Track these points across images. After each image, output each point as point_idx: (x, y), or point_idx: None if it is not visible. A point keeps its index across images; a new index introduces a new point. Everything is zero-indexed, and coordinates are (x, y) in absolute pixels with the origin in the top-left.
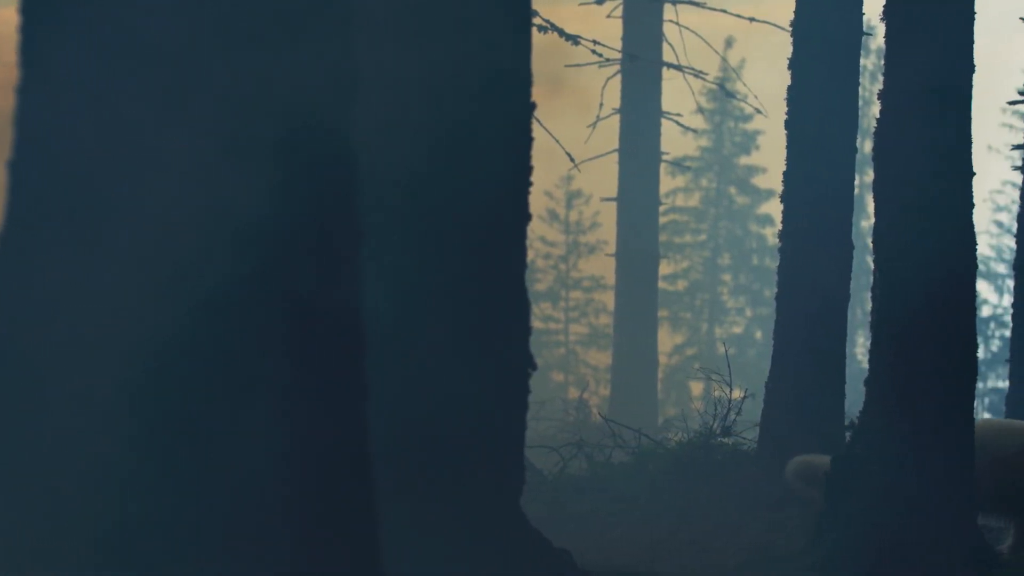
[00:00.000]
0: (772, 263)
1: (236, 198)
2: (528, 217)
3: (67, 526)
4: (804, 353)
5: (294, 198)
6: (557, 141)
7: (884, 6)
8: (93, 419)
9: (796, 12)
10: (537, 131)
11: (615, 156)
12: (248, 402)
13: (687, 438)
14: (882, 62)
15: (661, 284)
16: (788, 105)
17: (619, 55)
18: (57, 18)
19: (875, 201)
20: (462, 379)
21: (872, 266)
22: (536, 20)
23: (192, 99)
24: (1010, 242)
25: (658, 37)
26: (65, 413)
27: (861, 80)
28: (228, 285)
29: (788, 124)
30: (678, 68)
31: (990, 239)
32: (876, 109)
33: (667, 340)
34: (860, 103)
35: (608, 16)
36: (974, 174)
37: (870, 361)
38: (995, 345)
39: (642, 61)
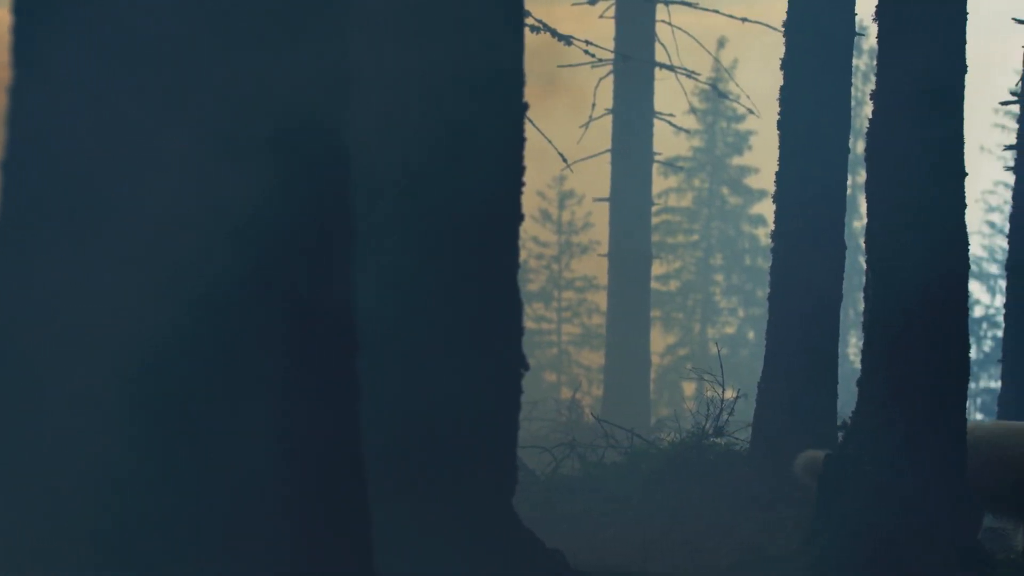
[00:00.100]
0: (765, 263)
1: (232, 198)
2: (521, 217)
3: (67, 526)
4: (797, 353)
5: (288, 198)
6: (549, 141)
7: (876, 6)
8: (92, 419)
9: (788, 12)
10: (529, 131)
11: (607, 156)
12: (246, 401)
13: (680, 438)
14: (875, 62)
15: (653, 284)
16: (780, 105)
17: (612, 55)
18: (52, 17)
19: (868, 201)
20: (455, 379)
21: (865, 266)
22: (529, 20)
23: (188, 99)
24: (1002, 242)
25: (651, 37)
26: (65, 413)
27: (853, 80)
28: (225, 284)
29: (780, 124)
30: (671, 68)
31: (982, 239)
32: (869, 109)
33: (660, 340)
34: (852, 103)
35: (601, 16)
36: (966, 174)
37: (863, 361)
38: (987, 345)
39: (635, 61)
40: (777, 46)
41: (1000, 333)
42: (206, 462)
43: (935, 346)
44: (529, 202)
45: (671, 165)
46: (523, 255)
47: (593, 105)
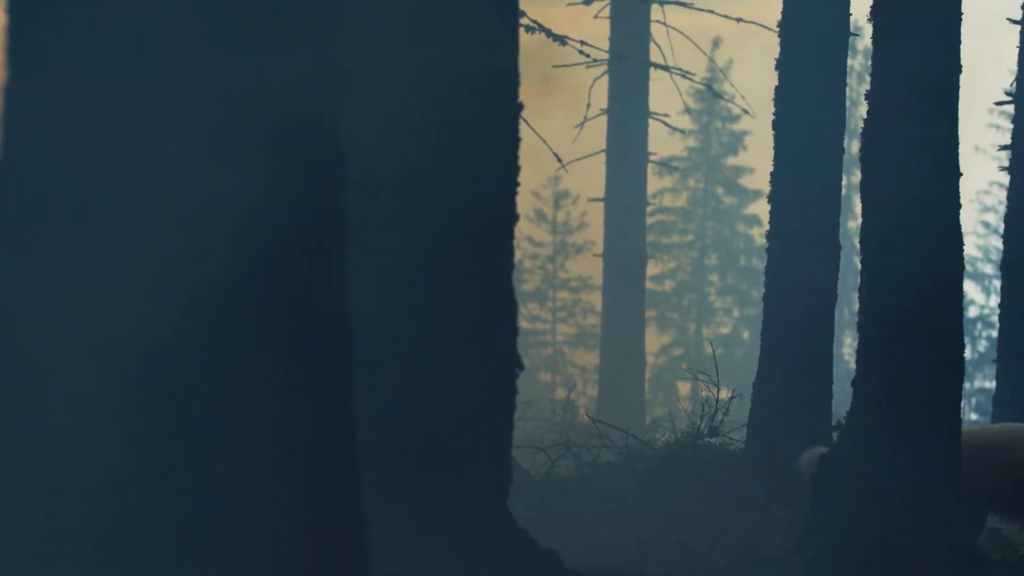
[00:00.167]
0: (759, 263)
1: (228, 197)
2: (516, 217)
3: (67, 526)
4: (792, 353)
5: (284, 197)
6: (544, 142)
7: (871, 6)
8: (92, 418)
9: (783, 12)
10: (524, 131)
11: (602, 156)
12: (243, 401)
13: (674, 438)
14: (869, 63)
15: (648, 284)
16: (775, 105)
17: (606, 55)
18: (47, 17)
19: (862, 201)
20: (450, 380)
21: (859, 266)
22: (524, 20)
23: (185, 99)
24: (997, 243)
25: (645, 37)
26: (64, 413)
27: (848, 80)
28: (222, 284)
29: (775, 124)
30: (665, 68)
31: (977, 240)
32: (863, 110)
33: (654, 340)
34: (847, 103)
35: (596, 16)
36: (961, 174)
37: (857, 361)
38: (982, 345)
39: (629, 61)
40: (772, 46)
41: (995, 333)
42: (205, 462)
43: (930, 346)
44: (524, 202)
45: (666, 165)
46: (518, 255)
47: (588, 105)
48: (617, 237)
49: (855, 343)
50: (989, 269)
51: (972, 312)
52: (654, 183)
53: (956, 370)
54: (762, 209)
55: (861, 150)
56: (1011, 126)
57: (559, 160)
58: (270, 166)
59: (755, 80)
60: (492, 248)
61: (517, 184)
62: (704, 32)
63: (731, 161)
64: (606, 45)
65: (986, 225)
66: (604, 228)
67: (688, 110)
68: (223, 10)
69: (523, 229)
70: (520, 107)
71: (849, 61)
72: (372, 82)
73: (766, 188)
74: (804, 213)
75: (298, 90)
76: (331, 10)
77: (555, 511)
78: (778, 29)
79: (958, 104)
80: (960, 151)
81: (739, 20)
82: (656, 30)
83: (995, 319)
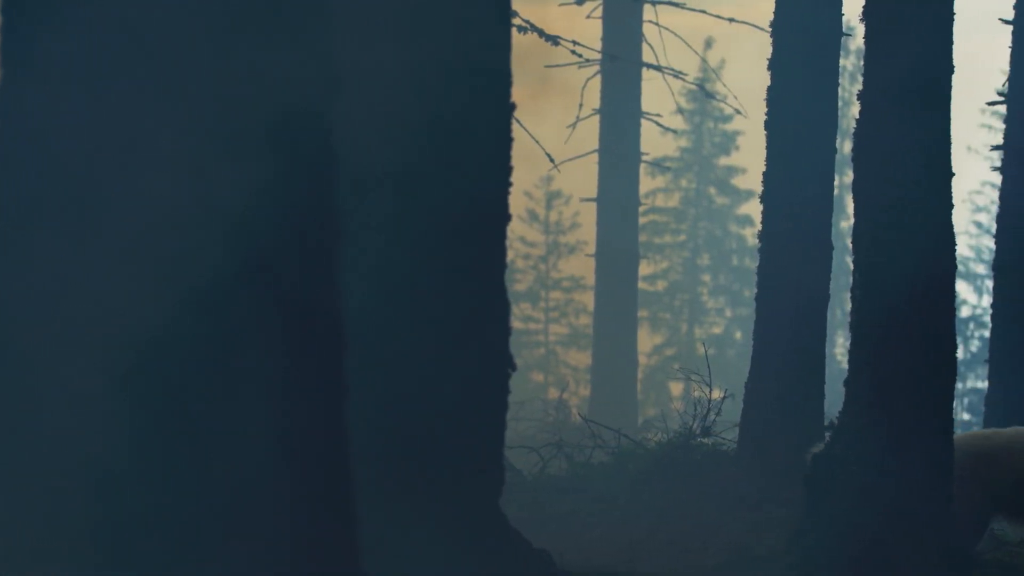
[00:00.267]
0: (752, 263)
1: (221, 196)
2: (508, 217)
3: (66, 526)
4: (784, 353)
5: (276, 196)
6: (537, 142)
7: (864, 6)
8: (91, 418)
9: (776, 12)
10: (517, 131)
11: (595, 156)
12: (239, 401)
13: (667, 438)
14: (861, 62)
15: (641, 284)
16: (768, 105)
17: (599, 56)
18: (41, 16)
19: (854, 201)
20: (442, 380)
21: (851, 266)
22: (516, 20)
23: (180, 98)
24: (989, 243)
25: (638, 37)
26: (64, 412)
27: (840, 80)
28: (220, 283)
29: (768, 124)
30: (658, 68)
31: (969, 240)
32: (856, 110)
33: (647, 340)
34: (840, 104)
35: (588, 17)
36: (953, 175)
37: (849, 361)
38: (974, 345)
39: (622, 61)
40: (764, 46)
41: (987, 333)
42: (204, 461)
43: (922, 346)
44: (516, 202)
45: (658, 165)
46: (510, 255)
47: (580, 105)
48: (609, 237)
49: (847, 343)
50: (981, 269)
51: (964, 312)
52: (646, 183)
53: (948, 370)
54: (754, 209)
55: (853, 150)
56: (1003, 126)
57: (551, 160)
58: (264, 165)
59: (747, 80)
60: (484, 248)
61: (510, 184)
62: (696, 32)
63: (723, 161)
64: (598, 45)
65: (978, 225)
66: (596, 228)
67: (680, 110)
68: (218, 10)
69: (515, 229)
70: (513, 107)
71: (841, 61)
72: (367, 81)
73: (758, 188)
74: (796, 213)
75: (291, 90)
76: (324, 10)
77: (548, 511)
78: (770, 29)
79: (950, 104)
80: (952, 151)
81: (731, 20)
82: (648, 30)
83: (987, 319)
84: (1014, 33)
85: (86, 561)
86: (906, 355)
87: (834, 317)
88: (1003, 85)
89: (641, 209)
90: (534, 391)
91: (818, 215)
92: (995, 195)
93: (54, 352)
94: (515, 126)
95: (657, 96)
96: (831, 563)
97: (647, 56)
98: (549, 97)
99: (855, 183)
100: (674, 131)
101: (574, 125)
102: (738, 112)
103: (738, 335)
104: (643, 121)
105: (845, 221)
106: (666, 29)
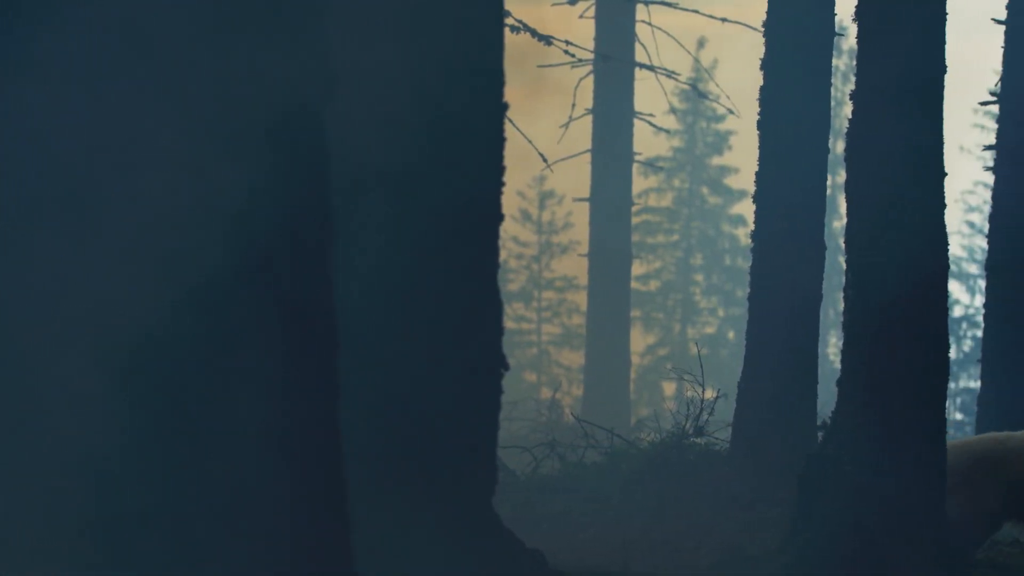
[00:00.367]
0: (744, 263)
1: (220, 196)
2: (500, 217)
3: (66, 526)
4: (778, 353)
5: (274, 196)
6: (530, 141)
7: (856, 6)
8: (90, 418)
9: (768, 12)
10: (509, 131)
11: (587, 156)
12: (239, 399)
13: (660, 438)
14: (854, 62)
15: (633, 284)
16: (760, 105)
17: (591, 55)
18: (45, 16)
19: (847, 201)
20: (435, 379)
21: (844, 266)
22: (509, 20)
23: (179, 98)
24: (982, 242)
25: (630, 37)
26: (63, 412)
27: (833, 80)
28: (219, 283)
29: (760, 124)
30: (650, 68)
31: (962, 239)
32: (848, 109)
33: (640, 340)
34: (832, 103)
35: (581, 16)
36: (946, 174)
37: (842, 361)
38: (967, 345)
39: (615, 61)
40: (757, 46)
41: (980, 333)
42: (203, 461)
43: (915, 346)
44: (509, 202)
45: (651, 165)
46: (503, 255)
47: (573, 105)
48: (602, 237)
49: (840, 343)
50: (974, 269)
51: (957, 312)
52: (639, 183)
53: (941, 370)
54: (747, 209)
55: (846, 150)
56: (996, 126)
57: (544, 160)
58: (264, 165)
59: (740, 80)
60: (477, 248)
61: (502, 184)
62: (689, 32)
63: (716, 161)
64: (591, 45)
65: (971, 225)
66: (589, 228)
67: (673, 110)
68: (218, 10)
69: (508, 229)
70: (505, 107)
71: (834, 61)
72: (367, 81)
73: (751, 188)
74: (789, 213)
75: (291, 89)
76: (323, 10)
77: (540, 511)
78: (763, 29)
79: (943, 104)
80: (945, 151)
81: (724, 20)
82: (641, 30)
83: (980, 319)
84: (1007, 33)
85: (85, 560)
86: (899, 355)
87: (827, 317)
88: (996, 85)
89: (634, 209)
90: (527, 391)
91: (811, 215)
92: (988, 195)
93: (54, 352)
94: (508, 126)
95: (650, 96)
96: (824, 563)
97: (640, 56)
98: (542, 97)
99: (848, 183)
100: (667, 131)
101: (567, 125)
102: (731, 112)
103: (731, 335)
104: (636, 121)
105: (838, 221)
106: (659, 29)
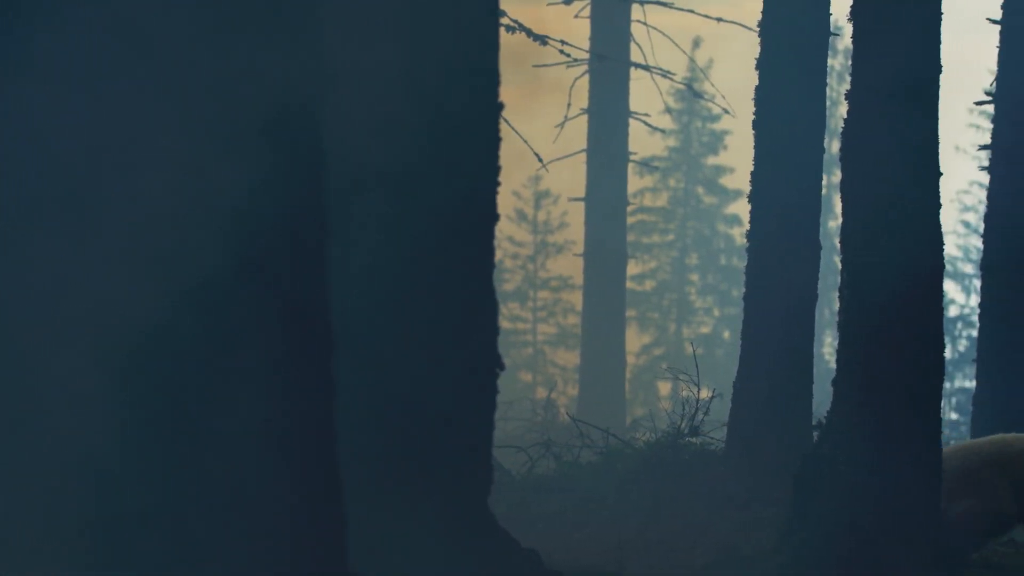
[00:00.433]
0: (740, 263)
1: (218, 196)
2: (496, 217)
3: (66, 526)
4: (772, 353)
5: (271, 195)
6: (525, 141)
7: (851, 6)
8: (90, 417)
9: (764, 12)
10: (505, 131)
11: (583, 156)
12: (238, 399)
13: (655, 438)
14: (850, 62)
15: (629, 284)
16: (756, 105)
17: (587, 55)
18: (44, 16)
19: (842, 201)
20: (431, 379)
21: (840, 266)
22: (504, 20)
23: (178, 98)
24: (977, 242)
25: (626, 37)
26: (63, 412)
27: (829, 80)
28: (218, 282)
29: (756, 124)
30: (646, 68)
31: (957, 239)
32: (844, 109)
33: (635, 340)
34: (828, 103)
35: (576, 16)
36: (941, 174)
37: (838, 361)
38: (962, 345)
39: (610, 61)
40: (752, 46)
41: (975, 333)
42: (202, 460)
43: (910, 346)
44: (504, 202)
45: (646, 165)
46: (498, 255)
47: (568, 105)
48: (598, 236)
49: (835, 342)
50: (969, 269)
51: (952, 312)
52: (635, 182)
53: (936, 370)
54: (742, 209)
55: (841, 149)
56: (991, 126)
57: (540, 160)
58: (263, 164)
59: (735, 80)
60: (473, 247)
61: (498, 184)
62: (684, 32)
63: (711, 161)
64: (587, 45)
65: (966, 225)
66: (585, 227)
67: (669, 110)
68: (216, 10)
69: (504, 229)
70: (501, 106)
71: (829, 61)
72: (366, 81)
73: (746, 188)
74: (784, 213)
75: (290, 89)
76: (322, 10)
77: (536, 511)
78: (758, 29)
79: (938, 103)
80: (940, 151)
81: (719, 20)
82: (636, 30)
83: (975, 319)
84: (1002, 33)
85: (85, 560)
86: (894, 354)
87: (822, 317)
88: (991, 85)
89: (629, 209)
90: (522, 391)
91: (806, 214)
92: (983, 195)
93: (53, 352)
94: (503, 126)
95: (645, 96)
96: (820, 562)
97: (635, 56)
98: (537, 96)
99: (843, 183)
100: (662, 131)
101: (562, 125)
102: (726, 112)
103: (726, 335)
104: (631, 121)
105: (833, 220)
106: (654, 29)
